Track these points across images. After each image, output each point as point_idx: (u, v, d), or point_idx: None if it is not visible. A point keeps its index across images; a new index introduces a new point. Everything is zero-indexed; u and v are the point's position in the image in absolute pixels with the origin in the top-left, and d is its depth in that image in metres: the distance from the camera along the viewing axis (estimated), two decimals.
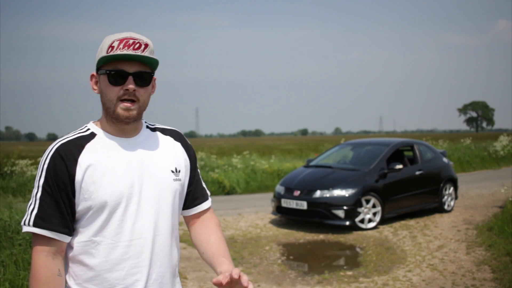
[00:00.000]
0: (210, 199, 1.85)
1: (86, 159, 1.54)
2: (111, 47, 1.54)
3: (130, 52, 1.53)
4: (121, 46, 1.53)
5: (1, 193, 9.93)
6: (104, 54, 1.55)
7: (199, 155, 16.71)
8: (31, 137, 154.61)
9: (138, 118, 1.61)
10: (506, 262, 5.54)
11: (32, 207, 1.52)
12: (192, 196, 1.77)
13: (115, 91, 1.55)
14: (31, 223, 1.50)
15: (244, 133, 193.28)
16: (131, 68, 1.55)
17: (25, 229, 1.52)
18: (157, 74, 1.66)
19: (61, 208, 1.52)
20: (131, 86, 1.54)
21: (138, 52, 1.55)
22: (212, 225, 1.79)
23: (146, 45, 1.57)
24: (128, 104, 1.56)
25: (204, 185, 1.85)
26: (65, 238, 1.54)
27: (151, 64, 1.59)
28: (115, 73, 1.54)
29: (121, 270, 1.55)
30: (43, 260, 1.50)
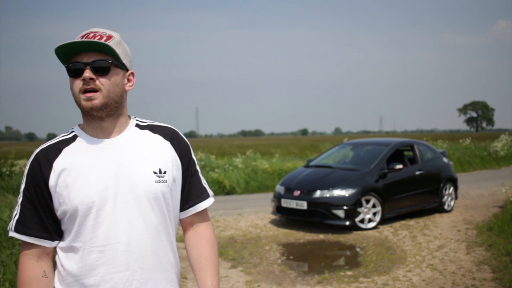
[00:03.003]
0: (208, 199, 1.74)
1: (60, 163, 1.53)
2: None
3: (78, 39, 1.51)
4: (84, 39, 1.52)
5: (1, 193, 9.92)
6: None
7: (199, 155, 16.70)
8: (31, 137, 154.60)
9: (108, 111, 1.55)
10: (506, 262, 5.54)
11: (15, 212, 1.55)
12: (185, 198, 1.70)
13: (76, 84, 1.53)
14: (13, 228, 1.54)
15: (244, 133, 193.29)
16: (88, 59, 1.52)
17: (10, 234, 1.55)
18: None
19: (40, 213, 1.53)
20: (86, 74, 1.50)
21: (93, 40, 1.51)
22: (204, 241, 1.73)
23: (110, 37, 1.54)
24: (89, 94, 1.52)
25: (203, 184, 1.74)
26: (46, 243, 1.54)
27: (111, 52, 1.54)
28: (72, 65, 1.52)
29: (96, 276, 1.51)
30: (26, 262, 1.54)
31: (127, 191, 1.53)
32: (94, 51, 1.52)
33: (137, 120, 1.69)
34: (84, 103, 1.52)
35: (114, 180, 1.52)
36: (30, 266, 1.53)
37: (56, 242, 1.56)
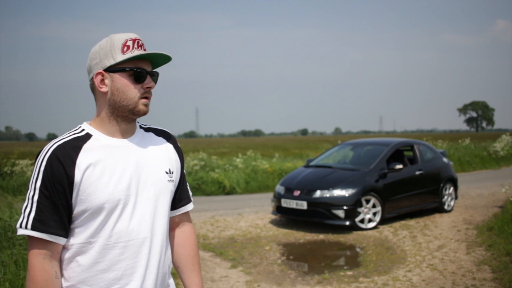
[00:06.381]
0: (192, 201, 1.87)
1: (83, 160, 1.53)
2: (126, 46, 1.57)
3: (155, 51, 1.60)
4: (135, 46, 1.59)
5: (1, 193, 9.93)
6: (121, 52, 1.56)
7: (201, 155, 16.69)
8: (31, 137, 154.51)
9: None
10: (506, 262, 5.54)
11: (29, 209, 1.50)
12: (178, 197, 1.79)
13: (137, 89, 1.59)
14: (29, 226, 1.48)
15: (244, 133, 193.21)
16: (148, 68, 1.62)
17: (22, 232, 1.50)
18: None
19: (59, 211, 1.51)
20: (152, 83, 1.62)
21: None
22: (192, 241, 1.85)
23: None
24: (148, 100, 1.62)
25: (188, 187, 1.87)
26: (62, 241, 1.53)
27: (157, 64, 1.67)
28: (140, 71, 1.59)
29: (118, 271, 1.55)
30: (40, 263, 1.49)
31: (147, 189, 1.61)
32: (147, 60, 1.63)
33: (137, 122, 1.73)
34: (142, 107, 1.61)
35: (135, 178, 1.59)
36: (45, 267, 1.49)
37: (66, 240, 1.55)
